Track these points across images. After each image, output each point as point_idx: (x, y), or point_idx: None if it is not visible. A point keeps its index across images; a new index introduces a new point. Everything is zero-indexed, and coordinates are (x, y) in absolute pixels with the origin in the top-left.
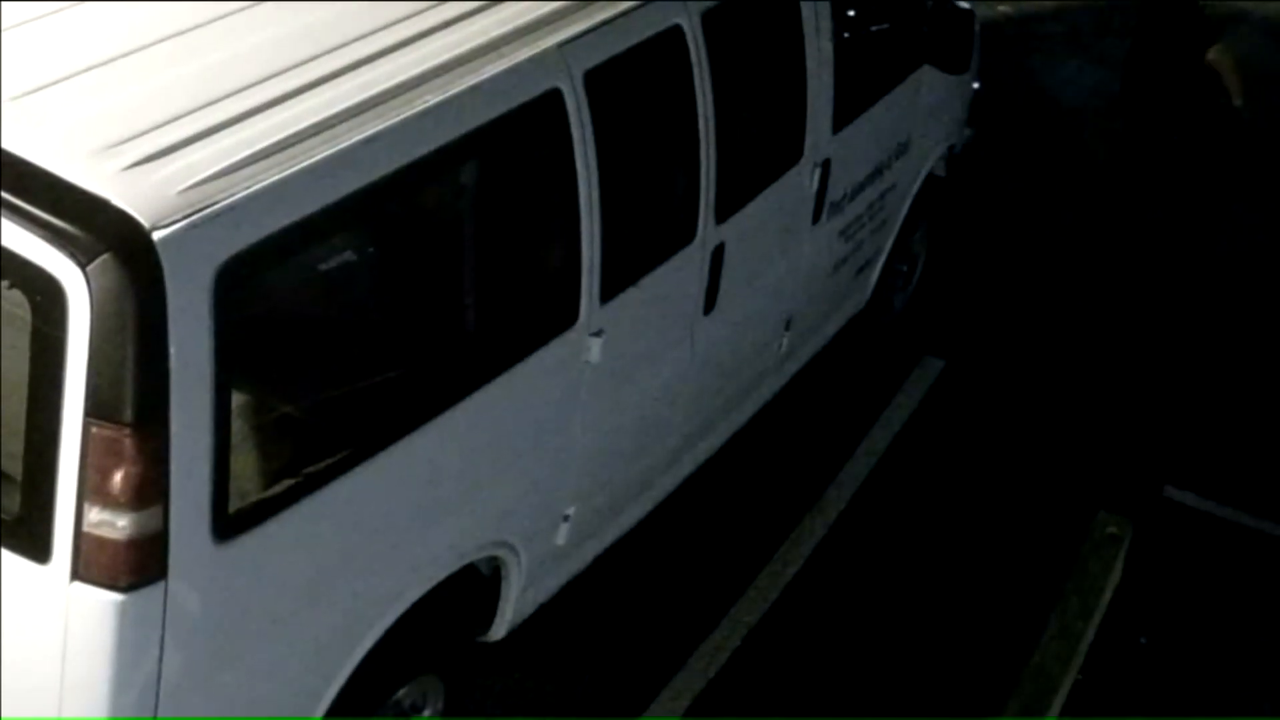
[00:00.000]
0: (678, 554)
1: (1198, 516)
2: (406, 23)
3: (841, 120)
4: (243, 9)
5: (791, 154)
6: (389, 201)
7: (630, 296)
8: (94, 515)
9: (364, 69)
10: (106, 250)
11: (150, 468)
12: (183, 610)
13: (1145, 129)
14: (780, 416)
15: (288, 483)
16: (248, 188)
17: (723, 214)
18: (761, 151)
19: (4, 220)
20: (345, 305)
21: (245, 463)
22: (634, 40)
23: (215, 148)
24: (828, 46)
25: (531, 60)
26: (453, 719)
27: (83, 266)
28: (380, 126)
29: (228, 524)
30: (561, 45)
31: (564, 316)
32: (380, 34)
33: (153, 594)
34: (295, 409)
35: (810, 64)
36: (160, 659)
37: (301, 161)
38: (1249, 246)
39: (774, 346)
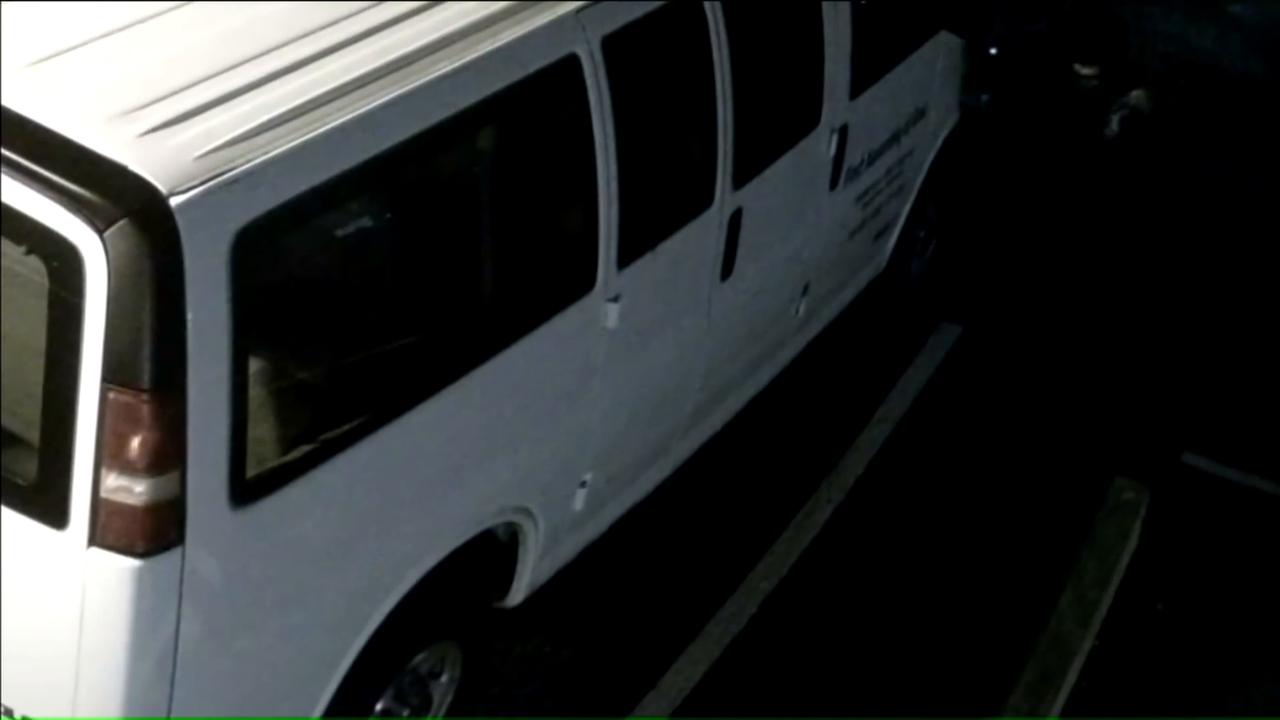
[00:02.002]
0: (694, 520)
1: (1215, 482)
2: None
3: (859, 86)
4: None
5: (809, 119)
6: (406, 167)
7: (647, 262)
8: (111, 481)
9: (381, 34)
10: (124, 216)
11: (168, 433)
12: (200, 576)
13: None
14: (797, 382)
15: (305, 448)
16: (265, 153)
17: (740, 179)
18: (779, 117)
19: (22, 186)
20: (363, 271)
21: (263, 428)
22: (651, 6)
23: (232, 113)
24: (845, 12)
25: (549, 26)
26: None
27: (100, 232)
28: (398, 92)
29: (245, 489)
30: (579, 11)
31: (581, 282)
32: None
33: (170, 559)
34: (312, 375)
35: (827, 29)
36: (178, 625)
37: (319, 127)
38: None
39: (791, 312)
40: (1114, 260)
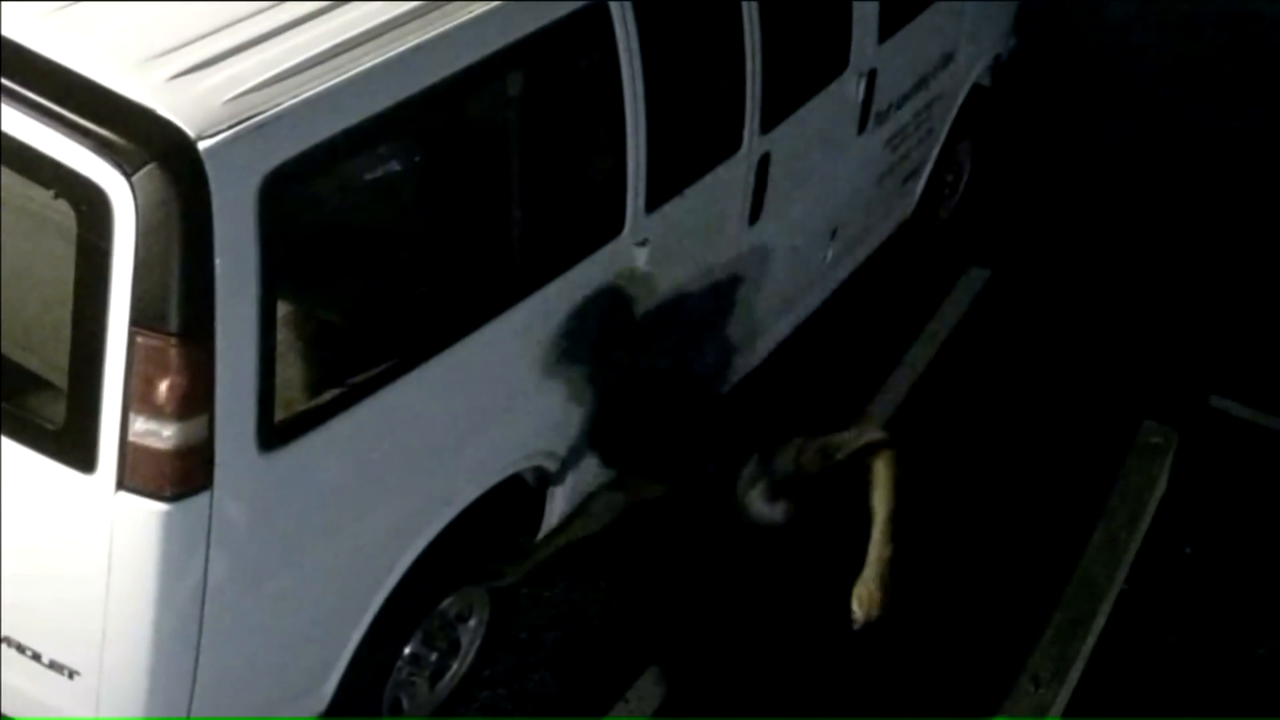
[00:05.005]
0: None
1: (1243, 426)
2: None
3: (887, 30)
4: None
5: (837, 64)
6: (434, 111)
7: (676, 206)
8: (139, 425)
9: None
10: (152, 160)
11: (196, 377)
12: (228, 520)
13: None
14: (825, 326)
15: (333, 393)
16: (293, 98)
17: (768, 124)
18: (807, 61)
19: (50, 130)
20: (391, 215)
21: (290, 372)
22: None
23: (260, 58)
24: None
25: None
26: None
27: (128, 176)
28: (426, 36)
29: (273, 434)
30: None
31: (609, 226)
32: None
33: (198, 503)
34: (340, 319)
35: None
36: (206, 568)
37: (347, 71)
38: None
39: (819, 256)
40: (1144, 205)
